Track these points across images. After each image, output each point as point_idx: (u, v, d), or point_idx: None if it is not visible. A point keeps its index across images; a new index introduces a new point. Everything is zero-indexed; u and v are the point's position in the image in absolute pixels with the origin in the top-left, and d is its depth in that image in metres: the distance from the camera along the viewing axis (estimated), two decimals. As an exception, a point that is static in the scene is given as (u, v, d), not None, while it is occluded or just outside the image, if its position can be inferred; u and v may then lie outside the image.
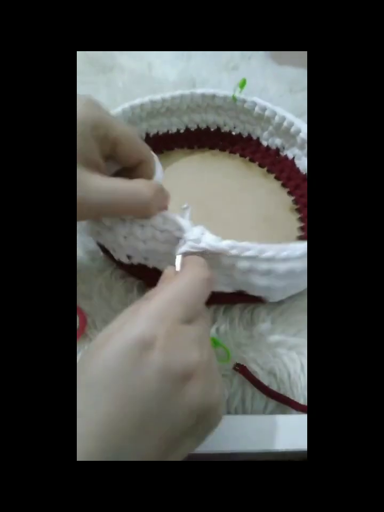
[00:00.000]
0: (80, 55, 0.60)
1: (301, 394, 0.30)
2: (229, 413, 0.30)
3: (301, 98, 0.59)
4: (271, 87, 0.61)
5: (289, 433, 0.27)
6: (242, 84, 0.45)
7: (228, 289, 0.30)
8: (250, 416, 0.28)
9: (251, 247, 0.27)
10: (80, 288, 0.34)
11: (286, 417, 0.28)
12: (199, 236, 0.27)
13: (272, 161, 0.47)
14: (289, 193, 0.45)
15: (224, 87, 0.60)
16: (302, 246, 0.29)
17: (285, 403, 0.29)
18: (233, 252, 0.27)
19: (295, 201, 0.45)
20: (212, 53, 0.67)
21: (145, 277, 0.33)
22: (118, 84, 0.59)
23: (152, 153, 0.30)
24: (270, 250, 0.28)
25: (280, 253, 0.28)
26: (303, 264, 0.28)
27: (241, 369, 0.30)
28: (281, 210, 0.44)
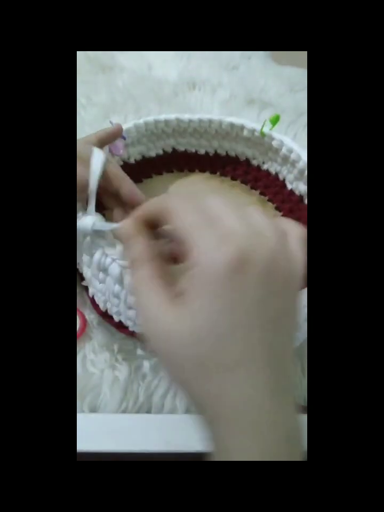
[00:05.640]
0: (80, 55, 0.60)
1: (300, 395, 0.30)
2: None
3: (301, 98, 0.59)
4: (271, 87, 0.61)
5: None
6: (275, 120, 0.40)
7: None
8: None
9: None
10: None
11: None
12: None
13: (291, 208, 0.43)
14: None
15: (224, 87, 0.61)
16: None
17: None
18: None
19: None
20: (211, 53, 0.67)
21: None
22: (118, 83, 0.59)
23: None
24: None
25: None
26: None
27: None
28: None
